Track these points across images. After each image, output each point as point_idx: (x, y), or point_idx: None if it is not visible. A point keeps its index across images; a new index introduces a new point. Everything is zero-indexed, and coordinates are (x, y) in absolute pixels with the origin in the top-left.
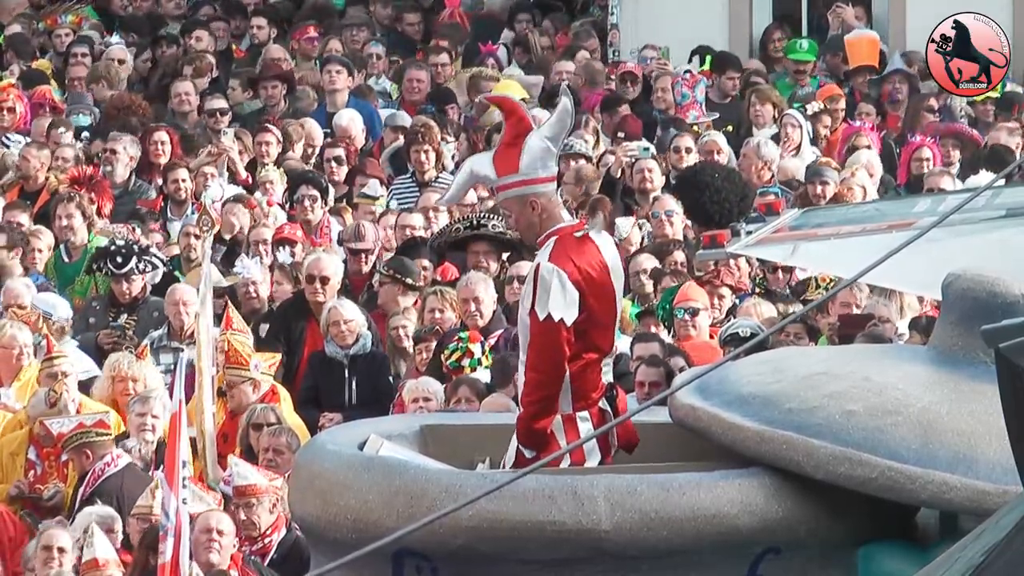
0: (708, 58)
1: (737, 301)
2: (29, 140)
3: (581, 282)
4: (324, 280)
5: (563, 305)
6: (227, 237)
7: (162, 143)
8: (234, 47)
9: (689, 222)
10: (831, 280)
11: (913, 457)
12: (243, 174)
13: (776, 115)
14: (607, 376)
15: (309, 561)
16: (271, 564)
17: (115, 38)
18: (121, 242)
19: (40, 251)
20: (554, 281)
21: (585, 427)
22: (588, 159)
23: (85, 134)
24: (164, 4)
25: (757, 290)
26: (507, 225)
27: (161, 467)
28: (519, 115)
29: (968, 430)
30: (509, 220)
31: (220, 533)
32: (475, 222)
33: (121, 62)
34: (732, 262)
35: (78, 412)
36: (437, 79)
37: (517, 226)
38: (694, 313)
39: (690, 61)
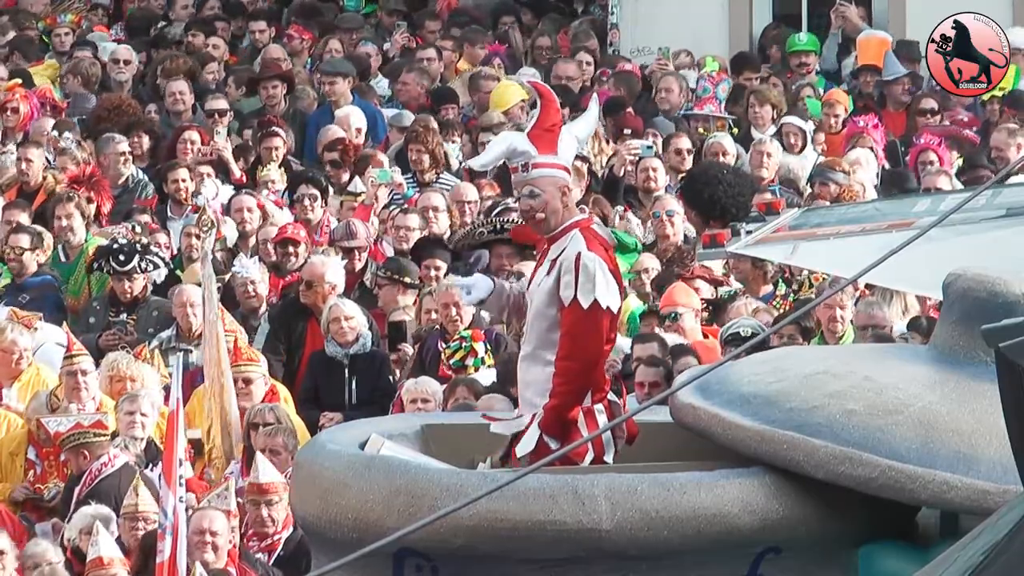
0: (712, 59)
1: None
2: (20, 140)
3: (614, 272)
4: (319, 284)
5: (607, 293)
6: (233, 236)
7: (191, 142)
8: (228, 53)
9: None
10: (824, 278)
11: (914, 456)
12: (237, 173)
13: (775, 116)
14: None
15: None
16: (277, 561)
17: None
18: (123, 241)
19: (44, 251)
20: (598, 270)
21: (602, 420)
22: (585, 159)
23: (68, 134)
24: (177, 9)
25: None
26: (523, 206)
27: (149, 466)
28: (556, 106)
29: (969, 430)
30: (530, 201)
31: (213, 534)
32: (498, 226)
33: (127, 63)
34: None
35: (98, 410)
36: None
37: (545, 208)
38: (677, 317)
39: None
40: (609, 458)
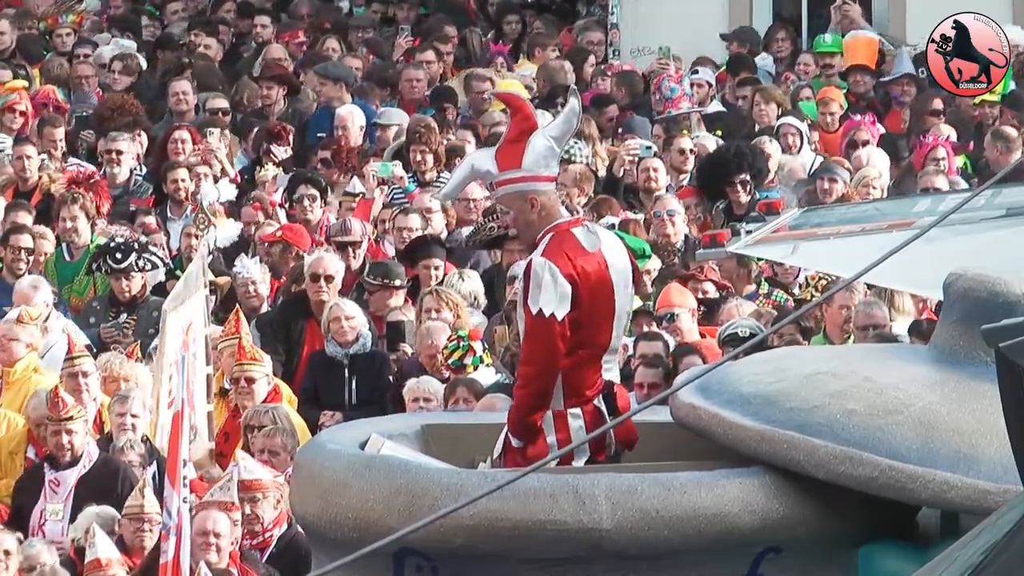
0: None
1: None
2: (14, 140)
3: (575, 276)
4: (328, 279)
5: (554, 300)
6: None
7: (182, 142)
8: (220, 53)
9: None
10: (821, 278)
11: (914, 456)
12: (232, 173)
13: (780, 114)
14: (610, 373)
15: (307, 556)
16: (271, 558)
17: (116, 39)
18: (121, 239)
19: (44, 252)
20: (546, 276)
21: (576, 424)
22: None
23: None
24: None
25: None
26: (503, 223)
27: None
28: (525, 113)
29: (969, 429)
30: (506, 217)
31: (217, 535)
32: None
33: (122, 60)
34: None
35: (99, 411)
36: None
37: (515, 224)
38: (673, 318)
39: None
40: (579, 464)
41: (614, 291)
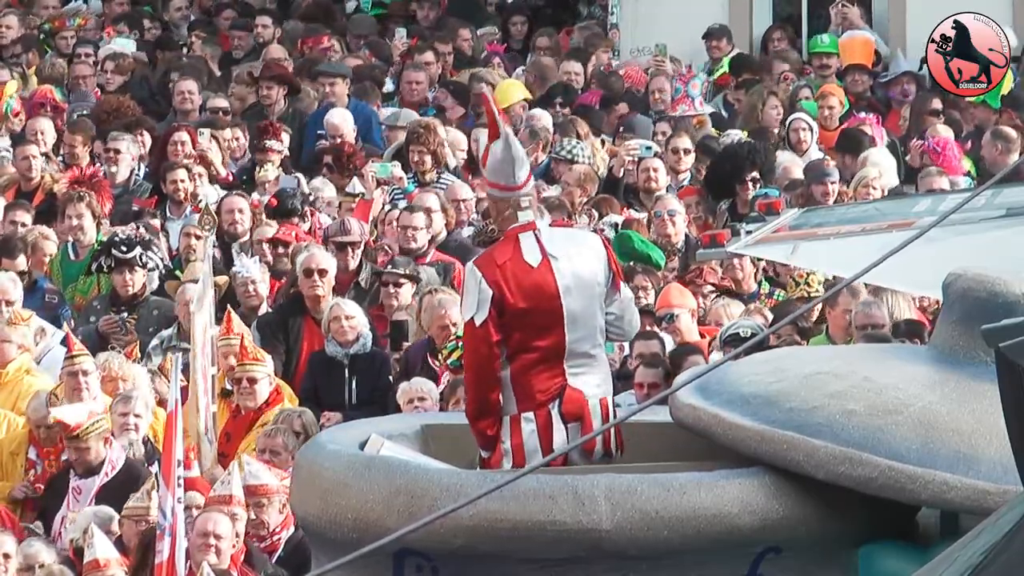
0: (727, 60)
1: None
2: (12, 140)
3: (500, 282)
4: (321, 273)
5: (474, 305)
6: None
7: (182, 143)
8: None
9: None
10: (810, 273)
11: (914, 456)
12: (222, 173)
13: (783, 116)
14: (577, 379)
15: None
16: (278, 561)
17: (119, 38)
18: (124, 236)
19: (48, 253)
20: (470, 282)
21: (528, 428)
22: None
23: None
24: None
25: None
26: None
27: (145, 466)
28: (491, 119)
29: (969, 430)
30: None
31: (217, 537)
32: None
33: (114, 60)
34: (736, 262)
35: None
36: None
37: (495, 223)
38: (673, 318)
39: None
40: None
41: (559, 295)
